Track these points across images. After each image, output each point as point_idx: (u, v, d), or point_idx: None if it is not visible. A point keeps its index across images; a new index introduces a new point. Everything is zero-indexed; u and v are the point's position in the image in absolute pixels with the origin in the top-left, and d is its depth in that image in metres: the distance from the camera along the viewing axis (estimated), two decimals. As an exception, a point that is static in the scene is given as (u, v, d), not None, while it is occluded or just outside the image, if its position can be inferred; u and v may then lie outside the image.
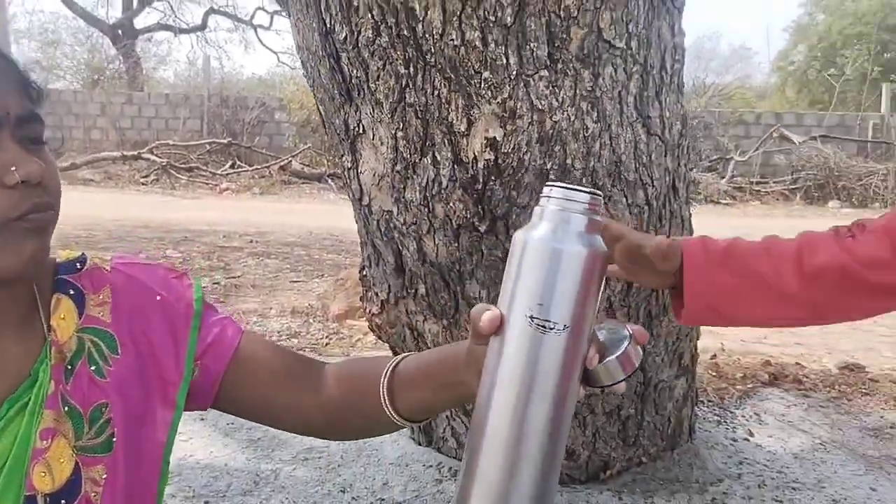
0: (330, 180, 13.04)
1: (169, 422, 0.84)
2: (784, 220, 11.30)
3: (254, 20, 18.68)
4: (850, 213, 11.29)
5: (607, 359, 0.69)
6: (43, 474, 0.74)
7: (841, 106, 16.19)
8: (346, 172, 1.94)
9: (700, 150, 14.54)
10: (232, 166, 13.37)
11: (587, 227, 0.66)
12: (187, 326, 0.85)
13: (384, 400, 0.83)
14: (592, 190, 0.66)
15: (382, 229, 1.87)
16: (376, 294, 2.13)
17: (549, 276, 0.64)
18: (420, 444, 2.32)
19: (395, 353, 2.22)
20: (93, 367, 0.79)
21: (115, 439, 0.79)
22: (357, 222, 2.09)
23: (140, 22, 18.33)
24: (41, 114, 0.74)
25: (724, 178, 13.68)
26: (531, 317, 0.64)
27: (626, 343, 0.69)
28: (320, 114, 2.05)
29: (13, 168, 0.69)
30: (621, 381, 0.69)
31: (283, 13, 18.05)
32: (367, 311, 2.24)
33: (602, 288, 0.67)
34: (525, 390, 0.65)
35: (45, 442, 0.74)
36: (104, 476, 0.78)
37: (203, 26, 18.30)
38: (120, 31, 17.09)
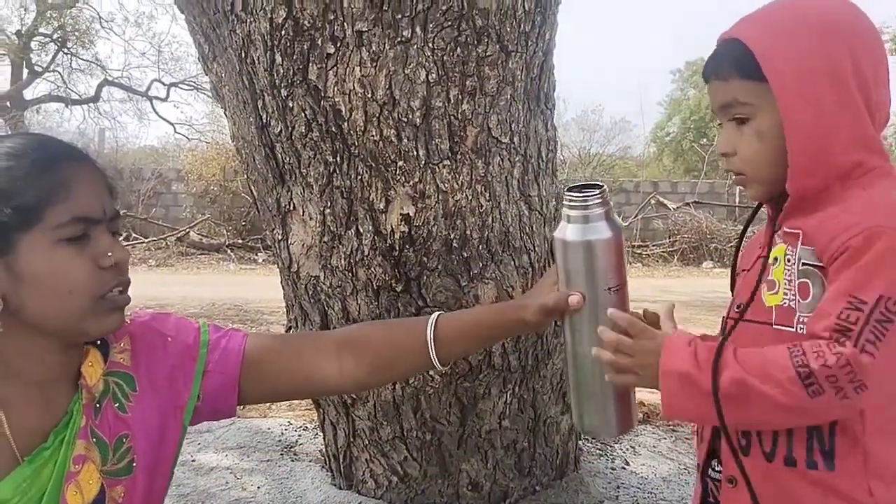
0: (229, 250, 13.01)
1: (177, 439, 1.03)
2: (663, 280, 12.16)
3: (149, 92, 18.60)
4: (722, 272, 12.23)
5: None
6: (75, 493, 0.90)
7: (712, 173, 17.29)
8: (276, 243, 2.22)
9: (586, 218, 15.44)
10: (127, 238, 13.09)
11: (606, 215, 1.06)
12: (195, 358, 1.05)
13: (432, 352, 1.11)
14: (600, 184, 1.07)
15: (310, 293, 2.15)
16: (301, 351, 2.39)
17: (602, 259, 1.05)
18: (341, 489, 2.54)
19: (318, 405, 2.47)
20: (116, 405, 0.98)
21: (134, 464, 0.97)
22: (284, 288, 2.36)
23: (29, 93, 17.89)
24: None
25: (608, 243, 14.51)
26: (608, 288, 1.05)
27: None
28: (252, 193, 2.33)
29: (109, 254, 0.90)
30: None
31: (184, 87, 17.87)
32: (292, 366, 2.48)
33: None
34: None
35: (77, 466, 0.91)
36: (122, 495, 0.95)
37: (96, 98, 18.02)
38: (8, 103, 16.60)
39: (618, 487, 2.52)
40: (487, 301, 2.01)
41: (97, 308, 0.90)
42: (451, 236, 1.93)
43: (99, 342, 1.00)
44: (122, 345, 1.02)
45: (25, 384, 0.92)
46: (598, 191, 1.06)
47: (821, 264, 0.94)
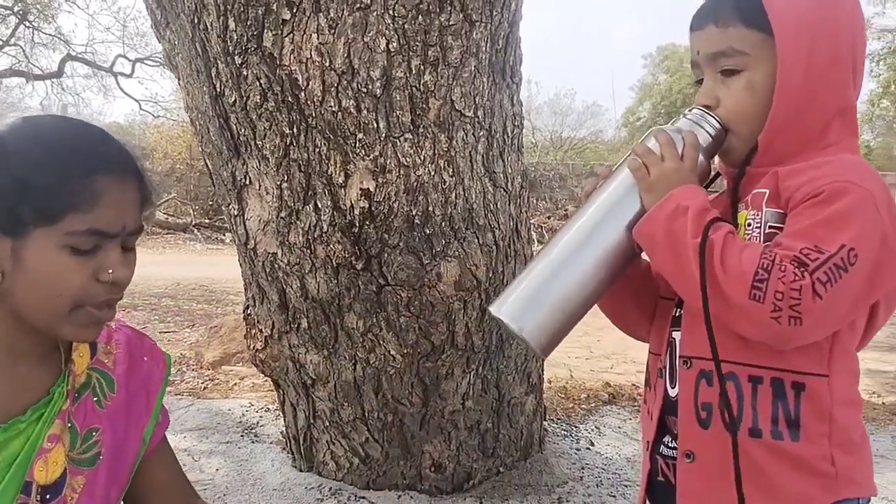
0: (196, 230, 12.81)
1: (136, 452, 1.04)
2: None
3: (114, 67, 18.15)
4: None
5: None
6: (41, 469, 0.91)
7: (681, 159, 17.46)
8: (232, 219, 2.15)
9: (557, 200, 15.52)
10: (90, 217, 12.81)
11: (706, 144, 1.00)
12: (160, 383, 1.08)
13: None
14: (722, 123, 1.00)
15: (267, 270, 2.08)
16: (260, 331, 2.32)
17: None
18: (301, 471, 2.49)
19: (278, 386, 2.42)
20: (95, 399, 0.99)
21: (101, 458, 0.98)
22: (242, 265, 2.28)
23: (-11, 67, 17.35)
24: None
25: (578, 225, 14.62)
26: None
27: None
28: (207, 166, 2.25)
29: (110, 271, 0.89)
30: None
31: (149, 63, 17.52)
32: (252, 347, 2.42)
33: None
34: None
35: (50, 444, 0.92)
36: (82, 485, 0.95)
37: (59, 73, 17.52)
38: (-32, 78, 16.13)
39: (582, 468, 2.50)
40: (451, 280, 1.96)
41: (72, 316, 0.89)
42: (413, 212, 1.87)
43: None
44: (108, 347, 1.03)
45: (10, 356, 0.92)
46: (719, 121, 1.00)
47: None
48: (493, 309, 1.00)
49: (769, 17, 0.94)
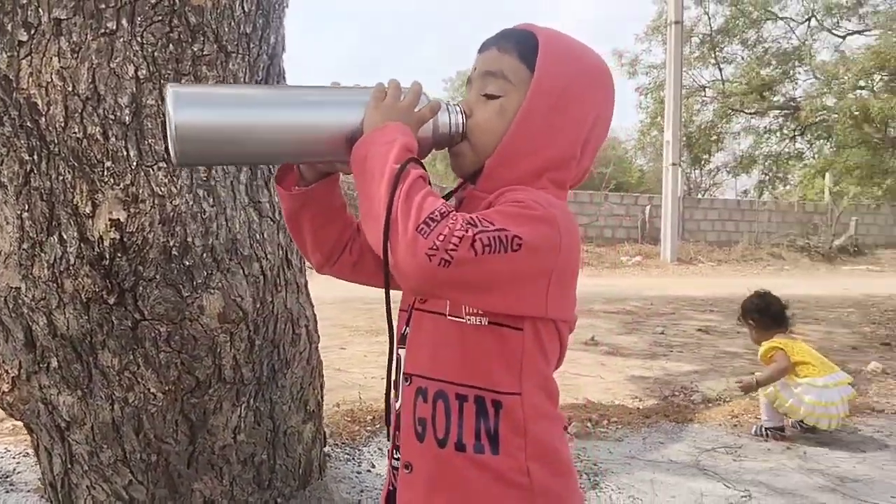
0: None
1: None
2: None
3: None
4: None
5: None
6: None
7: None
8: (-32, 251, 1.96)
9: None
10: None
11: (442, 127, 1.06)
12: None
13: None
14: (464, 129, 1.07)
15: (10, 306, 1.91)
16: (6, 371, 2.12)
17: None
18: (59, 520, 2.31)
19: (31, 430, 2.22)
20: None
21: None
22: (-17, 300, 2.08)
23: None
24: None
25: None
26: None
27: None
28: (-61, 193, 2.03)
29: None
30: None
31: None
32: (-3, 389, 2.21)
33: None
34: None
35: None
36: None
37: None
38: None
39: (361, 491, 2.54)
40: (214, 312, 1.91)
41: None
42: (171, 243, 1.81)
43: None
44: None
45: None
46: (464, 126, 1.08)
47: None
48: (171, 84, 0.94)
49: (537, 60, 1.04)
